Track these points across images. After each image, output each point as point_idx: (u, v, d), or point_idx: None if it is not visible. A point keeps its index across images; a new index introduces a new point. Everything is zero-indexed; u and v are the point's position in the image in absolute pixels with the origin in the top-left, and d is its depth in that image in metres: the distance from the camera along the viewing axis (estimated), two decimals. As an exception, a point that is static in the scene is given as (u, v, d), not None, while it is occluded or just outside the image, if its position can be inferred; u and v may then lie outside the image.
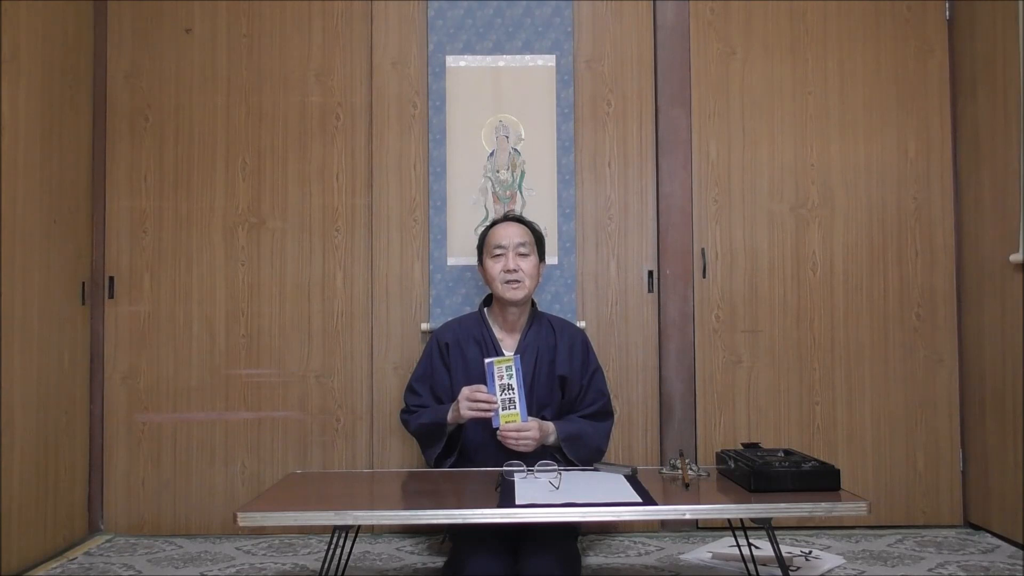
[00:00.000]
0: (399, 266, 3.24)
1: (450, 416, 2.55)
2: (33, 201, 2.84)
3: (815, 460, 2.18)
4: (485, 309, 2.78)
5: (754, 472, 2.10)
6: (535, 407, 2.62)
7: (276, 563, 2.82)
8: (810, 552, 2.85)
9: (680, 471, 2.26)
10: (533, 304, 2.79)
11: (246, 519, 1.96)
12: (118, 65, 3.29)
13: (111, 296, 3.24)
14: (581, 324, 3.12)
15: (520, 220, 2.78)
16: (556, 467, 2.26)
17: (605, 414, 2.73)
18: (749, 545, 2.47)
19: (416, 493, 2.33)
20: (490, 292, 2.76)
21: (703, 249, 3.24)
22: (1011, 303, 2.92)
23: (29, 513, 2.78)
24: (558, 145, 3.21)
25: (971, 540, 3.00)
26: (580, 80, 3.27)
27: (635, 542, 3.03)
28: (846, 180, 3.26)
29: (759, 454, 2.25)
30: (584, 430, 2.63)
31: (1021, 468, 2.85)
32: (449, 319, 2.92)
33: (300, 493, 2.27)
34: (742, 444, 2.44)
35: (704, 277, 3.24)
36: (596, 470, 2.38)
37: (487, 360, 2.49)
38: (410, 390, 2.75)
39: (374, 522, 2.35)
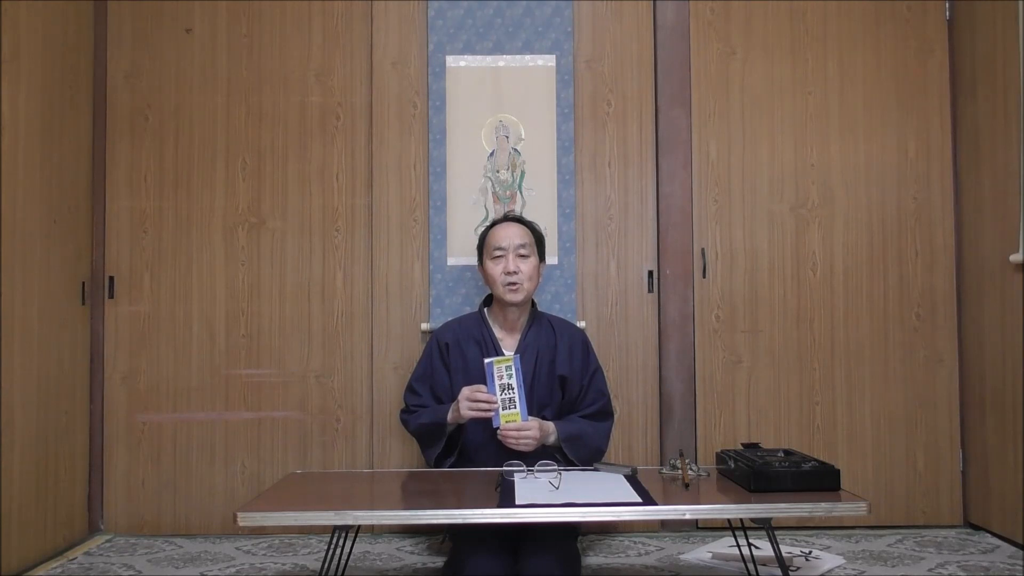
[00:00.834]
0: (399, 266, 3.24)
1: (450, 416, 2.55)
2: (33, 201, 2.84)
3: (815, 460, 2.18)
4: (485, 309, 2.78)
5: (754, 472, 2.10)
6: (535, 407, 2.62)
7: (276, 563, 2.82)
8: (810, 552, 2.85)
9: (680, 471, 2.26)
10: (533, 304, 2.79)
11: (246, 519, 1.96)
12: (118, 65, 3.29)
13: (111, 296, 3.24)
14: (581, 324, 3.12)
15: (520, 220, 2.78)
16: (556, 467, 2.26)
17: (605, 414, 2.73)
18: (749, 545, 2.47)
19: (416, 493, 2.33)
20: (490, 292, 2.76)
21: (703, 249, 3.24)
22: (1011, 303, 2.92)
23: (29, 513, 2.78)
24: (558, 145, 3.21)
25: (971, 540, 3.00)
26: (580, 80, 3.27)
27: (635, 542, 3.03)
28: (846, 180, 3.26)
29: (759, 454, 2.25)
30: (584, 430, 2.63)
31: (1021, 468, 2.85)
32: (449, 319, 2.92)
33: (300, 493, 2.27)
34: (742, 444, 2.44)
35: (704, 277, 3.24)
36: (596, 470, 2.38)
37: (487, 360, 2.49)
38: (410, 390, 2.75)
39: (374, 522, 2.35)
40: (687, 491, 2.17)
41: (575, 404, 2.70)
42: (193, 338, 3.24)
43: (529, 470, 2.25)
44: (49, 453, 2.91)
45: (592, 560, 2.81)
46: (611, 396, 2.79)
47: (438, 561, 2.83)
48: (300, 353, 3.24)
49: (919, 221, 3.26)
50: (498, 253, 2.68)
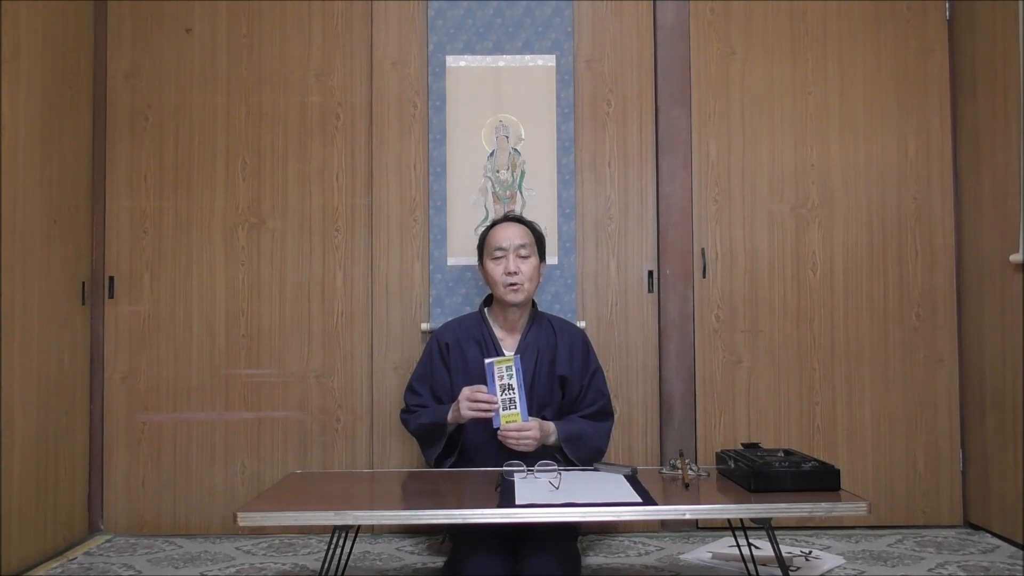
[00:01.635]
0: (399, 266, 3.24)
1: (450, 416, 2.55)
2: (33, 201, 2.84)
3: (815, 460, 2.18)
4: (485, 309, 2.78)
5: (754, 472, 2.10)
6: (535, 407, 2.62)
7: (276, 563, 2.82)
8: (810, 552, 2.85)
9: (680, 471, 2.26)
10: (533, 304, 2.79)
11: (246, 519, 1.96)
12: (118, 65, 3.29)
13: (111, 296, 3.24)
14: (581, 324, 3.12)
15: (520, 220, 2.78)
16: (556, 467, 2.26)
17: (605, 414, 2.73)
18: (749, 545, 2.47)
19: (416, 493, 2.33)
20: (490, 292, 2.76)
21: (703, 249, 3.24)
22: (1011, 303, 2.92)
23: (29, 513, 2.78)
24: (558, 145, 3.21)
25: (971, 540, 3.00)
26: (580, 80, 3.27)
27: (635, 542, 3.03)
28: (846, 180, 3.26)
29: (759, 454, 2.25)
30: (584, 430, 2.63)
31: (1021, 468, 2.85)
32: (449, 319, 2.92)
33: (300, 493, 2.27)
34: (742, 444, 2.44)
35: (704, 277, 3.24)
36: (596, 470, 2.38)
37: (487, 360, 2.49)
38: (410, 390, 2.76)
39: (374, 522, 2.35)
40: (687, 491, 2.17)
41: (575, 404, 2.70)
42: (193, 338, 3.24)
43: (529, 470, 2.25)
44: (49, 453, 2.91)
45: (592, 560, 2.81)
46: (611, 396, 2.79)
47: (438, 561, 2.83)
48: (300, 353, 3.24)
49: (919, 221, 3.26)
50: (499, 253, 2.68)
